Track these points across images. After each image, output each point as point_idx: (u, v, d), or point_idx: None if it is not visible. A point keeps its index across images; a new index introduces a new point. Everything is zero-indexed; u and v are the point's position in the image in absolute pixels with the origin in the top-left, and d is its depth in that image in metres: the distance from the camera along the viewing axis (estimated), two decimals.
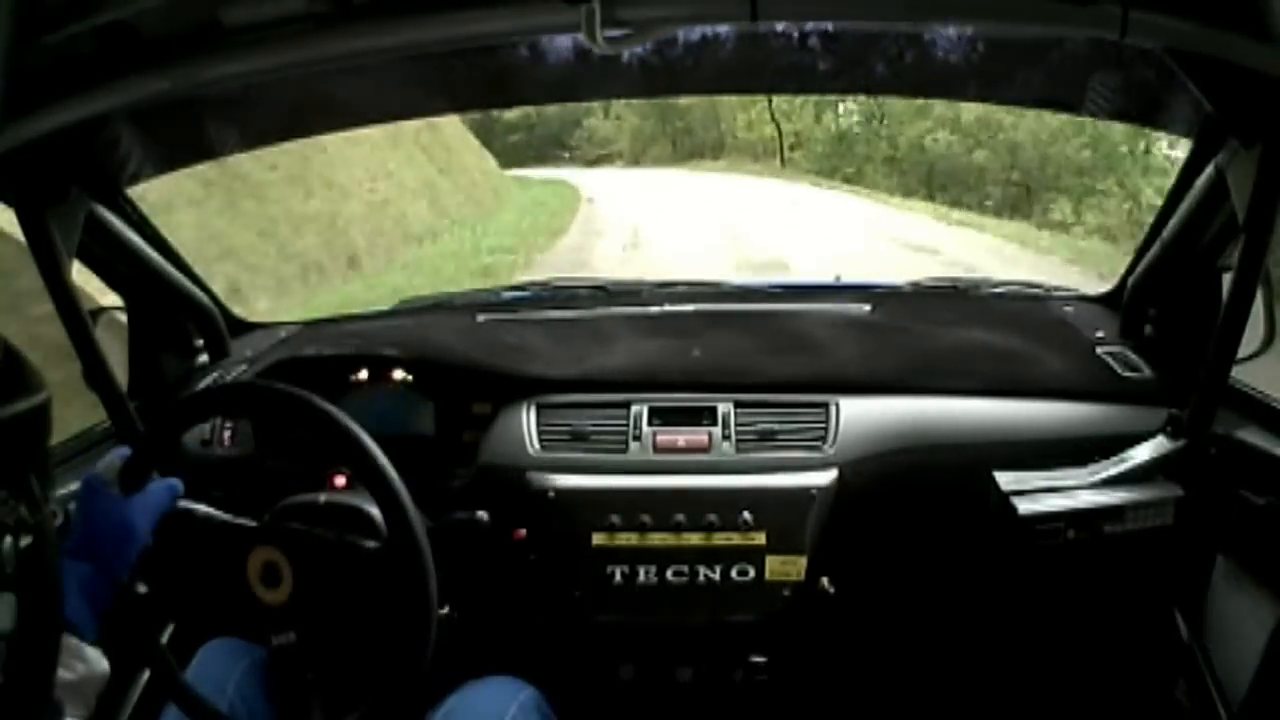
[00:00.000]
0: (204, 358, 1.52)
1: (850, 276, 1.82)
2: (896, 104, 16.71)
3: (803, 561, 1.20)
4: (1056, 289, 1.68)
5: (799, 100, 17.71)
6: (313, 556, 0.95)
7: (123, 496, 0.90)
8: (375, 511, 0.99)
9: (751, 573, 1.20)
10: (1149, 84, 1.10)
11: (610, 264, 8.17)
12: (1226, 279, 1.06)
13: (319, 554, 0.96)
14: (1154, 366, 1.31)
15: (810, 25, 1.09)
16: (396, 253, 8.78)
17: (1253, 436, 1.13)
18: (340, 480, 1.13)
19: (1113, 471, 1.16)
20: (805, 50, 1.22)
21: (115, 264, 1.31)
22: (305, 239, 7.41)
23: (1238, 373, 1.14)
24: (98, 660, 0.85)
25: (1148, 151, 13.58)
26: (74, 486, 1.21)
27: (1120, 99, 1.17)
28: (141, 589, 0.91)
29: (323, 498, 1.05)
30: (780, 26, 1.06)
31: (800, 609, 1.21)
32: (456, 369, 1.34)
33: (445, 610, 1.06)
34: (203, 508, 1.04)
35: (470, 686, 1.02)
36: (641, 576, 1.21)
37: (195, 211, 5.82)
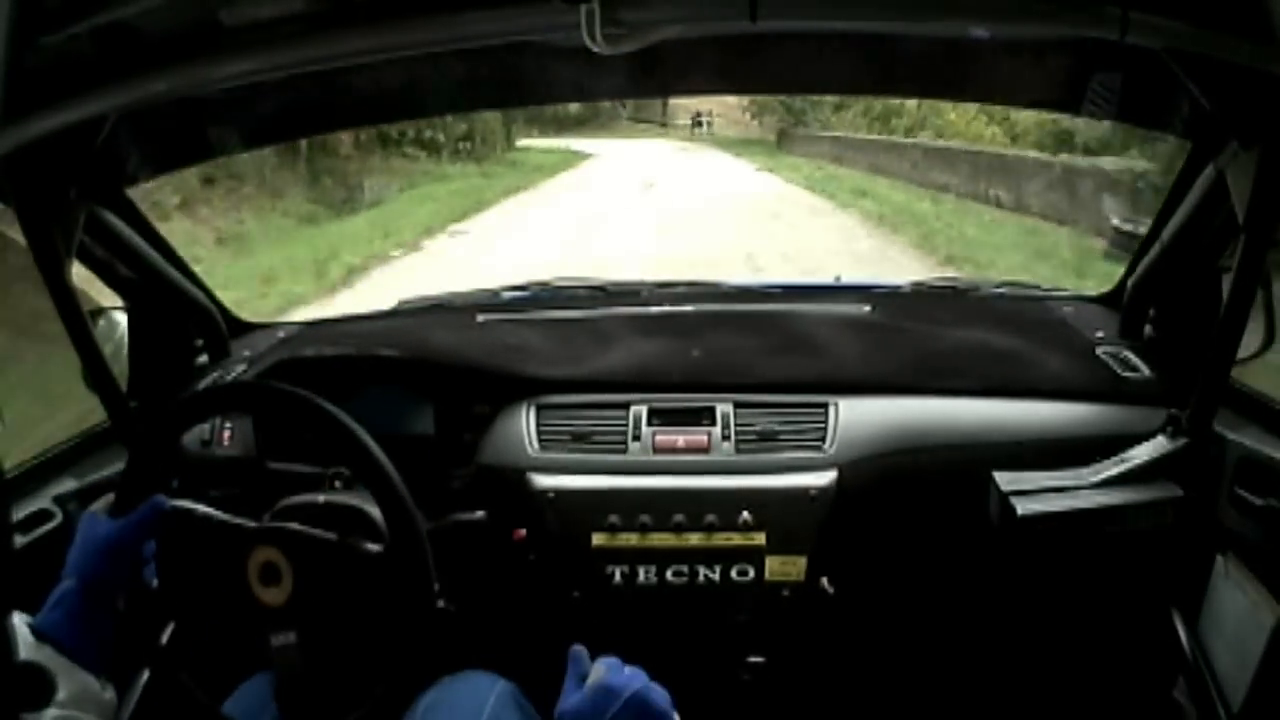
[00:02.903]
0: (204, 358, 1.52)
1: (850, 277, 1.82)
2: None
3: (802, 562, 1.20)
4: (1056, 289, 1.68)
5: None
6: (313, 558, 0.95)
7: (111, 520, 0.92)
8: (375, 512, 0.99)
9: (751, 573, 1.20)
10: (1149, 84, 1.10)
11: None
12: (1226, 279, 1.06)
13: (319, 555, 0.95)
14: (1154, 366, 1.31)
15: (810, 25, 1.09)
16: None
17: (1253, 436, 1.13)
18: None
19: (1113, 471, 1.16)
20: (805, 50, 1.22)
21: (115, 264, 1.31)
22: None
23: (1237, 373, 1.14)
24: (92, 684, 0.85)
25: None
26: (73, 486, 1.21)
27: (1120, 99, 1.16)
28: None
29: (322, 498, 1.05)
30: (780, 26, 1.06)
31: (800, 609, 1.21)
32: (456, 369, 1.34)
33: (442, 604, 1.06)
34: (202, 508, 1.03)
35: (447, 681, 1.02)
36: (641, 577, 1.21)
37: None
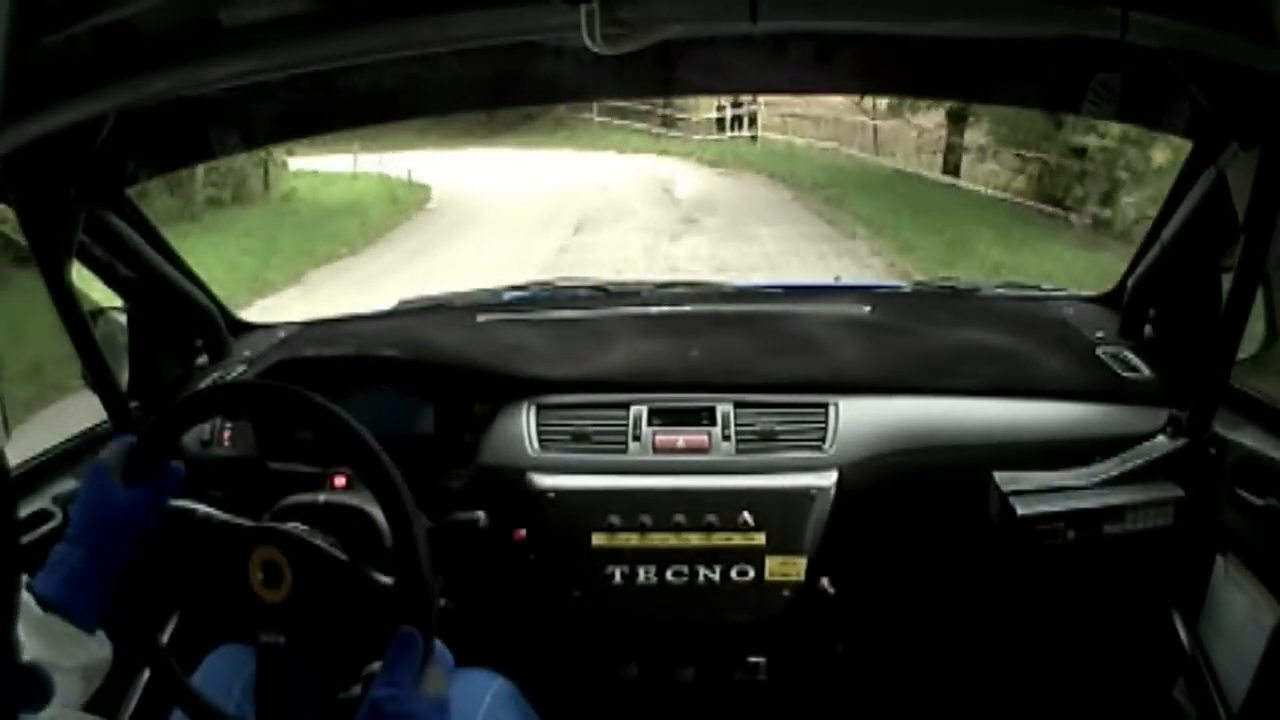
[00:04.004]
0: (204, 358, 1.53)
1: (849, 278, 1.82)
2: None
3: (802, 562, 1.20)
4: (1056, 290, 1.68)
5: None
6: (317, 567, 0.95)
7: (123, 485, 0.90)
8: (376, 512, 0.99)
9: (751, 573, 1.20)
10: (1149, 84, 1.10)
11: None
12: (1227, 279, 1.06)
13: (324, 567, 0.95)
14: (1154, 366, 1.31)
15: (810, 25, 1.09)
16: None
17: (1253, 436, 1.13)
18: (340, 480, 1.13)
19: (1113, 472, 1.16)
20: (805, 50, 1.22)
21: (115, 265, 1.31)
22: None
23: (1238, 372, 1.14)
24: (96, 648, 0.85)
25: None
26: (73, 486, 1.21)
27: (1120, 99, 1.16)
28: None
29: (322, 498, 1.05)
30: (780, 27, 1.06)
31: (800, 609, 1.21)
32: (456, 369, 1.34)
33: (444, 602, 1.06)
34: (202, 508, 1.03)
35: None
36: (641, 577, 1.21)
37: None
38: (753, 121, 16.47)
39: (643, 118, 18.77)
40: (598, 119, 19.02)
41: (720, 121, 16.95)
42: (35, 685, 0.79)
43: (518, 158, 14.82)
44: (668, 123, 18.90)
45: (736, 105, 16.03)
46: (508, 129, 18.88)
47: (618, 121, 18.78)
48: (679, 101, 17.68)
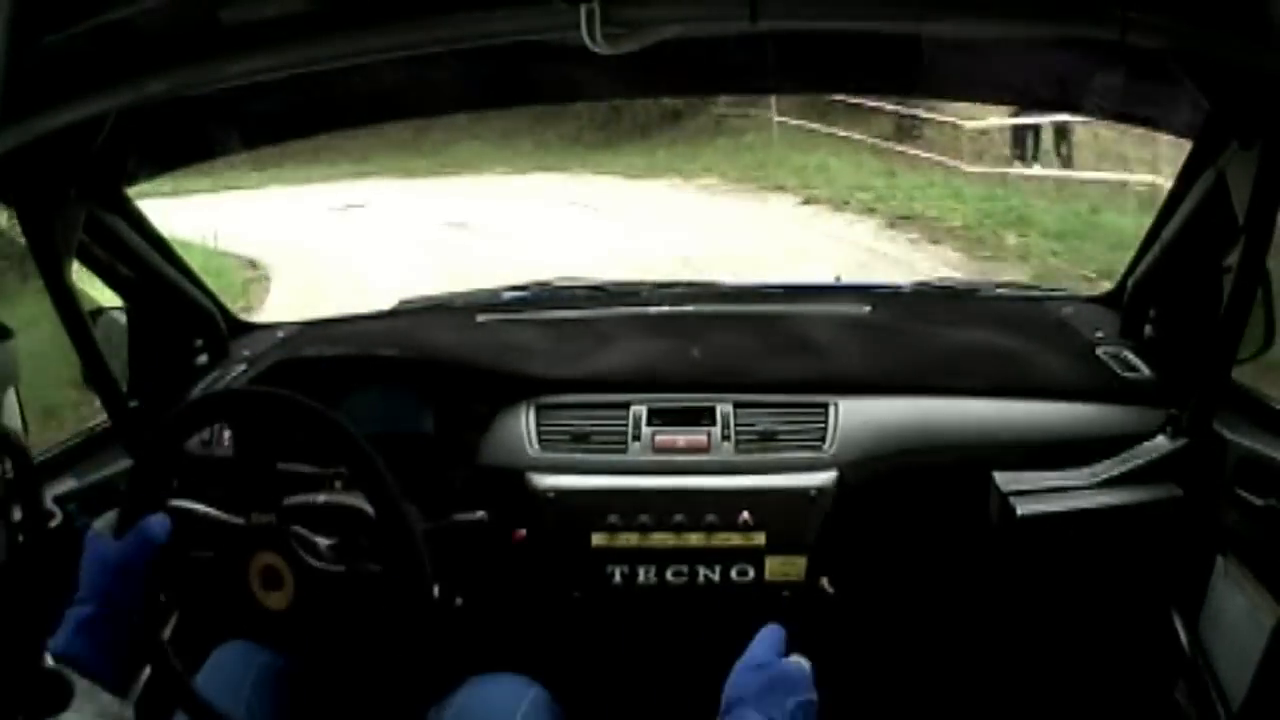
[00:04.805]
0: (204, 359, 1.52)
1: (850, 278, 1.82)
2: None
3: (802, 562, 1.20)
4: (1055, 290, 1.69)
5: None
6: (315, 573, 0.95)
7: (115, 540, 0.90)
8: (375, 512, 0.99)
9: (751, 573, 1.20)
10: (1149, 84, 1.10)
11: None
12: (1227, 279, 1.06)
13: (322, 574, 0.95)
14: (1154, 366, 1.31)
15: (811, 25, 1.09)
16: None
17: (1253, 436, 1.13)
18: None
19: (1113, 471, 1.16)
20: (805, 50, 1.22)
21: (115, 265, 1.31)
22: None
23: (1237, 373, 1.14)
24: (113, 706, 0.82)
25: None
26: (73, 485, 1.21)
27: (1120, 99, 1.17)
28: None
29: (322, 498, 1.05)
30: (780, 26, 1.06)
31: (800, 609, 1.21)
32: (456, 369, 1.34)
33: (460, 601, 1.06)
34: (203, 508, 1.03)
35: (478, 682, 1.01)
36: (641, 577, 1.21)
37: None
38: (1064, 138, 8.55)
39: (859, 119, 10.34)
40: (778, 120, 11.22)
41: (1017, 135, 8.84)
42: (56, 689, 0.79)
43: (599, 199, 8.65)
44: (904, 130, 10.19)
45: (1031, 130, 8.67)
46: (641, 135, 12.31)
47: (815, 126, 10.77)
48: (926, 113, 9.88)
